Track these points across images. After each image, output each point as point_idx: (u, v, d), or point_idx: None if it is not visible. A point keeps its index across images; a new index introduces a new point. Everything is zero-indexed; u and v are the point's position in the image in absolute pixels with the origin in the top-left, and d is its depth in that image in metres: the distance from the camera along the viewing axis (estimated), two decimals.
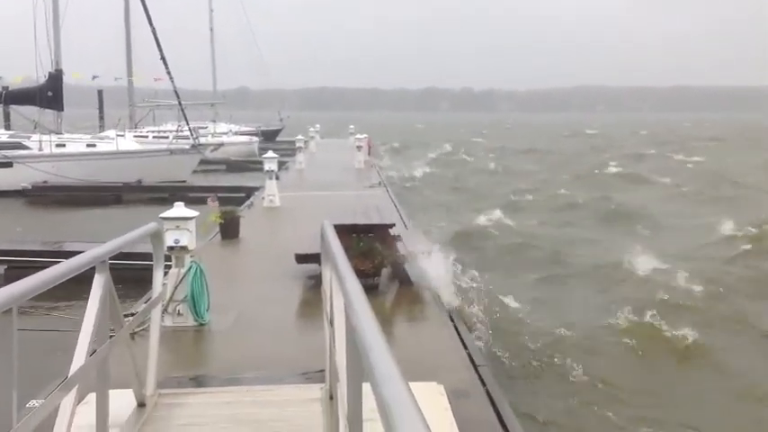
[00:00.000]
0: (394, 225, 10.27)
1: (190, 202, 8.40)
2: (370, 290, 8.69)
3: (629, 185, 31.74)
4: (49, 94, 31.45)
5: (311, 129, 42.08)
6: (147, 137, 40.36)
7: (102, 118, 41.93)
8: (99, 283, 3.91)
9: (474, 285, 10.19)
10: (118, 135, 33.70)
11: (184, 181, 30.35)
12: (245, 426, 4.90)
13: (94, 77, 41.79)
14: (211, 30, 59.63)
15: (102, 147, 31.86)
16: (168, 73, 30.60)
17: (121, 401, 4.77)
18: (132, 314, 5.25)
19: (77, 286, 4.09)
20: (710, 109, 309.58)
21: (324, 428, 4.73)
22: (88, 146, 31.75)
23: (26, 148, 30.01)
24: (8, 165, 28.19)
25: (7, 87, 32.80)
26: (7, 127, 33.22)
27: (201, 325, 7.62)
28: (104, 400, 4.01)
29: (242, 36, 61.94)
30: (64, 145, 30.79)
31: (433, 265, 9.26)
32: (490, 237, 18.38)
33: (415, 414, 1.43)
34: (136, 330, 6.20)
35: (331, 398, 4.80)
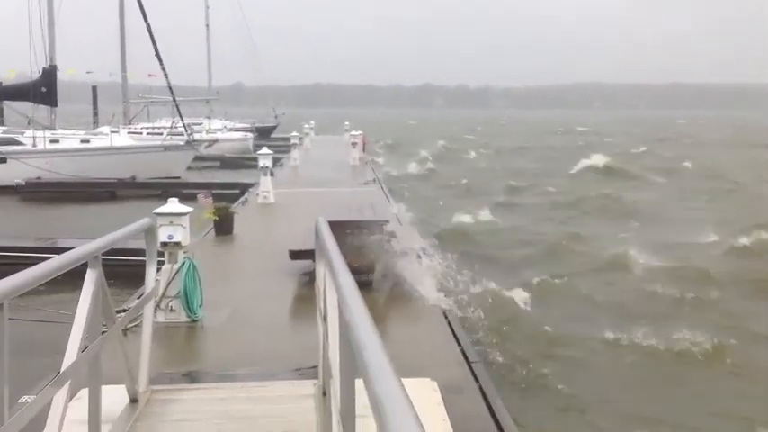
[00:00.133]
0: (388, 222, 10.27)
1: (184, 199, 8.38)
2: (364, 286, 8.67)
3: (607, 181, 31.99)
4: (43, 90, 31.34)
5: (306, 125, 42.02)
6: (141, 133, 40.25)
7: (96, 114, 41.72)
8: (91, 279, 3.90)
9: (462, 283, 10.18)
10: (112, 131, 33.58)
11: (179, 177, 30.27)
12: (238, 422, 4.90)
13: (88, 73, 41.69)
14: (207, 26, 59.49)
15: (96, 143, 31.77)
16: (163, 69, 30.54)
17: (114, 397, 4.76)
18: (125, 310, 5.23)
19: (72, 281, 4.08)
20: (706, 106, 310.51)
21: (317, 424, 4.73)
22: (82, 142, 31.67)
23: (20, 143, 29.93)
24: (2, 161, 28.07)
25: (1, 83, 32.70)
26: (0, 123, 33.09)
27: (194, 321, 7.61)
28: (97, 396, 4.00)
29: (237, 32, 61.52)
30: (58, 141, 30.70)
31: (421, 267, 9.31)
32: (475, 234, 18.37)
33: (408, 410, 1.43)
34: (128, 326, 6.20)
35: (324, 394, 4.79)
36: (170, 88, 31.54)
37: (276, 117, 64.99)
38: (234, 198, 18.71)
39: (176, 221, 7.64)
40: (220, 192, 21.14)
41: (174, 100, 31.94)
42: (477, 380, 6.07)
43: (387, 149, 47.81)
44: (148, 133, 40.43)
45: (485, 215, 21.26)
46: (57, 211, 24.00)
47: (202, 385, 5.78)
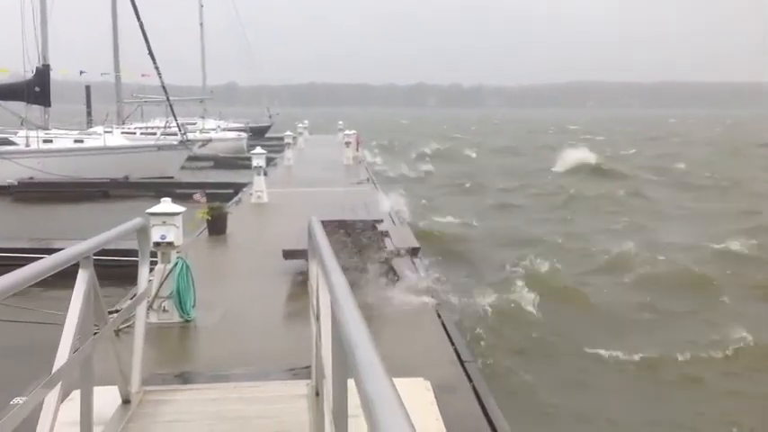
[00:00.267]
0: (382, 221, 10.27)
1: (177, 198, 8.35)
2: (357, 286, 8.67)
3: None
4: (37, 90, 31.25)
5: (300, 125, 41.97)
6: (134, 133, 40.15)
7: (89, 114, 41.61)
8: (83, 280, 3.88)
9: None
10: (105, 131, 33.50)
11: (172, 177, 30.22)
12: (231, 422, 4.88)
13: (82, 73, 41.56)
14: (201, 25, 59.40)
15: (89, 143, 31.68)
16: (156, 68, 30.50)
17: (106, 398, 4.74)
18: (117, 311, 5.21)
19: (64, 282, 4.05)
20: (699, 105, 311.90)
21: (310, 425, 4.72)
22: (75, 142, 31.58)
23: (13, 143, 29.83)
24: None
25: None
26: None
27: (187, 321, 7.59)
28: (88, 397, 3.98)
29: (231, 31, 61.52)
30: (51, 141, 30.62)
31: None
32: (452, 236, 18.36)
33: (399, 409, 1.42)
34: (121, 327, 6.17)
35: (317, 394, 4.78)
36: (163, 88, 31.48)
37: (270, 117, 64.90)
38: (227, 198, 18.69)
39: (169, 221, 7.62)
40: (214, 191, 21.11)
41: (168, 99, 31.87)
42: (470, 379, 6.06)
43: (381, 150, 47.81)
44: (142, 133, 40.34)
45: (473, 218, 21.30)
46: (49, 211, 23.92)
47: (195, 386, 5.76)
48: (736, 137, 70.27)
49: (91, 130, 35.88)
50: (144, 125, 44.44)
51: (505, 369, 8.99)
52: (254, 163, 17.58)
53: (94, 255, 4.03)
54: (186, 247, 8.47)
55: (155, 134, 35.43)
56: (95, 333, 4.12)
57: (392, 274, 9.38)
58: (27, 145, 29.65)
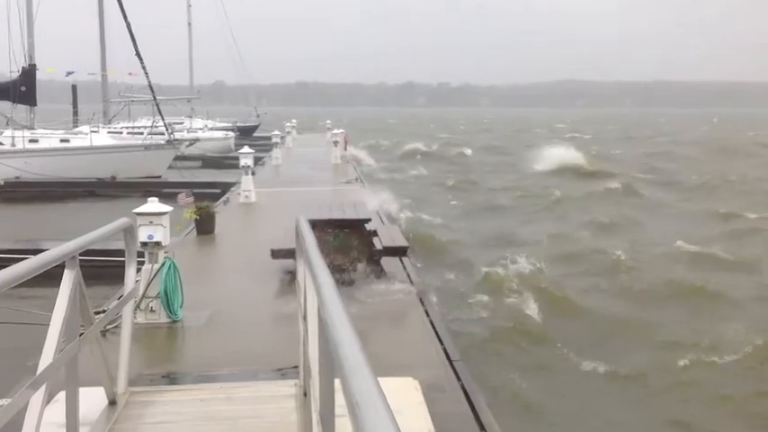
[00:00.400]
0: (370, 220, 10.25)
1: (165, 198, 8.31)
2: (346, 285, 8.66)
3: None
4: (23, 89, 31.07)
5: (288, 124, 41.90)
6: (121, 132, 39.94)
7: (75, 113, 41.34)
8: (68, 280, 3.85)
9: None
10: (92, 131, 33.31)
11: (160, 177, 30.11)
12: (219, 423, 4.86)
13: (68, 73, 41.30)
14: (189, 24, 59.16)
15: (75, 142, 31.49)
16: (143, 68, 30.29)
17: (92, 399, 4.71)
18: (104, 311, 5.18)
19: (52, 282, 4.02)
20: (691, 104, 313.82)
21: (297, 425, 4.70)
22: (62, 141, 31.37)
23: None
24: None
25: None
26: None
27: (175, 322, 7.56)
28: (74, 399, 3.95)
29: (219, 31, 61.25)
30: (37, 140, 30.43)
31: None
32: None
33: (384, 410, 1.41)
34: (108, 327, 6.15)
35: (305, 394, 4.77)
36: (150, 87, 31.31)
37: (258, 116, 64.78)
38: (215, 197, 18.63)
39: (156, 221, 7.58)
40: (202, 191, 21.06)
41: (155, 99, 31.73)
42: (459, 379, 6.07)
43: (369, 150, 47.92)
44: (129, 132, 40.10)
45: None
46: (36, 211, 23.77)
47: (182, 386, 5.74)
48: (722, 135, 70.73)
49: (77, 129, 35.67)
50: (131, 125, 44.21)
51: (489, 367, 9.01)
52: (242, 162, 17.55)
53: (82, 255, 4.00)
54: (174, 247, 8.43)
55: (142, 134, 35.23)
56: (81, 334, 4.09)
57: (381, 272, 9.37)
58: (13, 145, 29.46)
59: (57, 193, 26.37)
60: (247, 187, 17.44)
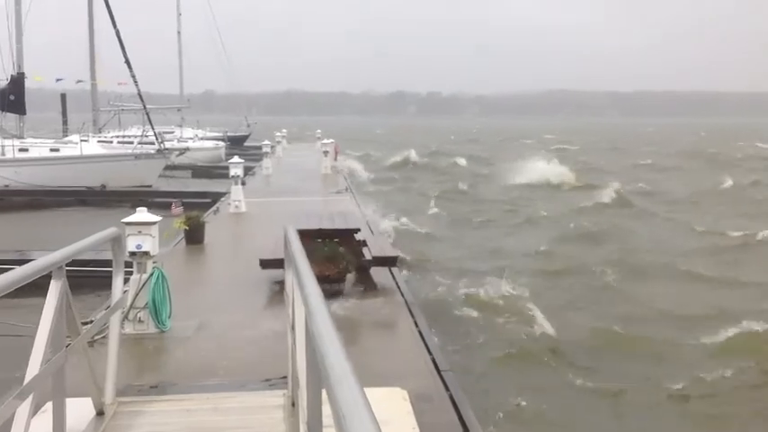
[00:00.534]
0: (359, 230, 10.27)
1: (155, 208, 8.29)
2: (335, 295, 8.67)
3: None
4: (11, 98, 31.02)
5: (278, 134, 41.90)
6: (111, 141, 39.84)
7: (65, 122, 41.22)
8: (55, 290, 3.84)
9: None
10: (82, 140, 33.24)
11: (150, 186, 30.05)
12: None
13: (58, 80, 41.18)
14: (179, 33, 59.13)
15: (65, 152, 31.41)
16: (133, 76, 30.31)
17: (79, 410, 4.70)
18: (91, 321, 5.17)
19: (39, 291, 4.00)
20: (677, 114, 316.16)
21: None
22: (51, 150, 31.28)
23: None
24: None
25: None
26: None
27: (163, 332, 7.53)
28: (61, 409, 3.94)
29: (209, 40, 61.22)
30: (27, 150, 30.33)
31: None
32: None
33: (368, 419, 1.42)
34: (96, 338, 6.13)
35: (293, 404, 4.76)
36: (140, 96, 31.29)
37: (248, 126, 64.72)
38: (205, 207, 18.58)
39: (145, 231, 7.55)
40: (192, 201, 21.04)
41: (145, 108, 31.71)
42: (447, 388, 6.07)
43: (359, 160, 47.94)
44: (119, 142, 40.01)
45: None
46: (25, 220, 23.71)
47: (170, 397, 5.72)
48: (709, 147, 71.19)
49: (67, 138, 35.57)
50: (121, 134, 44.10)
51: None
52: (232, 172, 17.53)
53: (69, 265, 3.99)
54: (163, 257, 8.41)
55: (132, 143, 35.18)
56: (68, 344, 4.08)
57: (370, 282, 9.38)
58: (2, 154, 29.37)
59: (46, 201, 26.28)
60: (237, 197, 17.42)
